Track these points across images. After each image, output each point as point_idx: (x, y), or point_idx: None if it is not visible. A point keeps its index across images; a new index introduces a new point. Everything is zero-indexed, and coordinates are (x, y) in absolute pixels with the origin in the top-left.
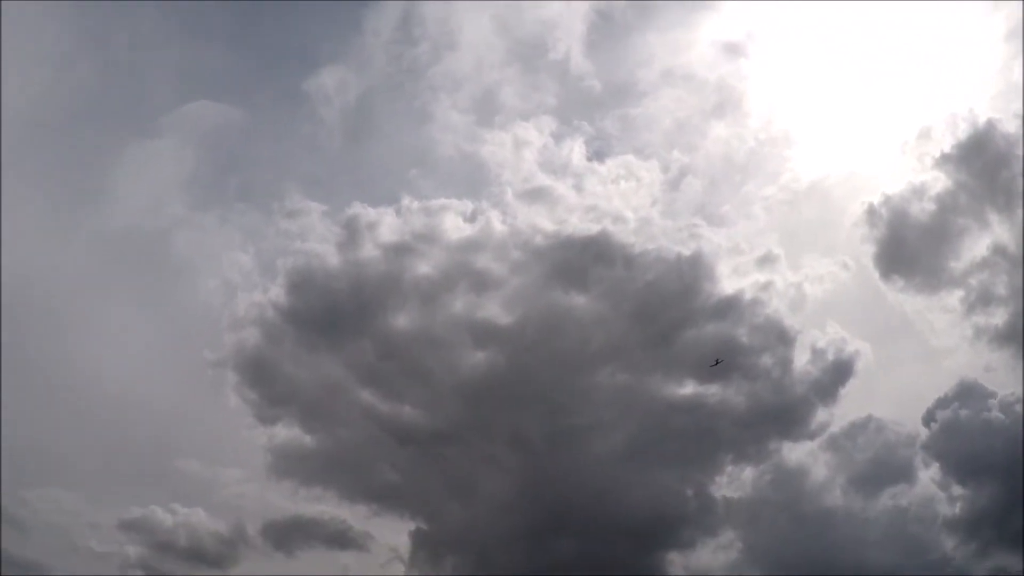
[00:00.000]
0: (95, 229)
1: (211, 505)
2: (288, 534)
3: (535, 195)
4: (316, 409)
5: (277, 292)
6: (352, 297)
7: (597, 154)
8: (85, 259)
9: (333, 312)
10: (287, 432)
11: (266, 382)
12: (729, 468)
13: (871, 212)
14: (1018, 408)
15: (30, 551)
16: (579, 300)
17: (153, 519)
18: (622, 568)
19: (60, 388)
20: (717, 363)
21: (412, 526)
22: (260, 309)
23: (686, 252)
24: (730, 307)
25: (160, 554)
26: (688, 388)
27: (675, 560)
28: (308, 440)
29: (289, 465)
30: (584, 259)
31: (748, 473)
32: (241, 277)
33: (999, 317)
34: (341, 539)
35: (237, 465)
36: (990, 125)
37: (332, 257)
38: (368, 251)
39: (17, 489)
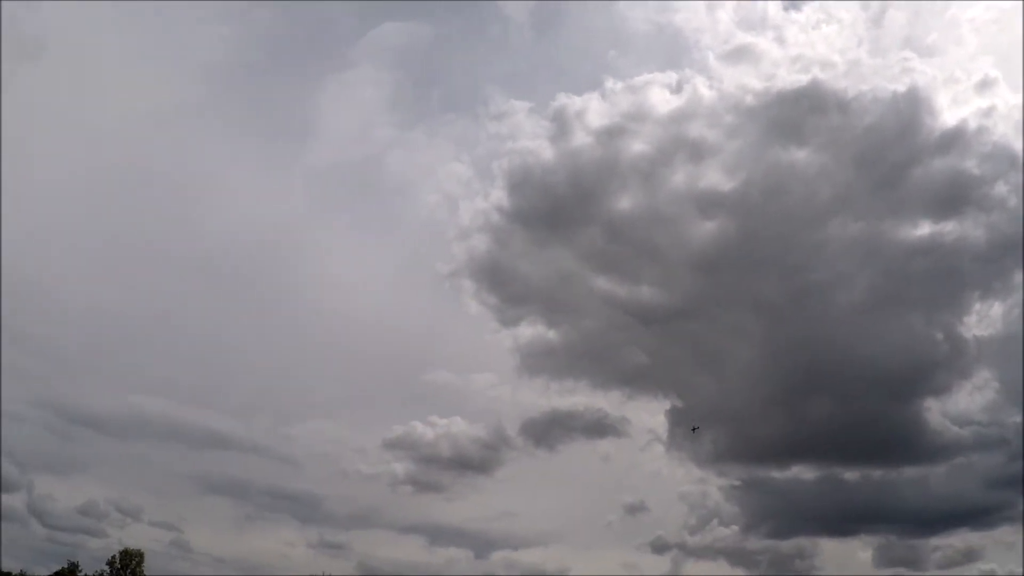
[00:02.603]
0: (310, 165)
1: (468, 412)
2: (546, 430)
3: (737, 55)
4: (556, 303)
5: (498, 195)
6: (572, 187)
7: (793, 2)
8: (306, 196)
9: (556, 205)
10: (531, 330)
11: (503, 285)
12: (977, 306)
13: None
14: None
15: (304, 483)
16: (799, 155)
17: (414, 434)
18: (880, 420)
19: (306, 325)
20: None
21: (667, 405)
22: (484, 215)
23: (901, 89)
24: (954, 139)
25: (426, 467)
26: (923, 229)
27: (932, 406)
28: (552, 335)
29: (537, 362)
30: (798, 112)
31: (997, 309)
32: (460, 187)
33: None
34: (598, 427)
35: (487, 370)
36: None
37: (546, 151)
38: (580, 139)
39: (281, 427)
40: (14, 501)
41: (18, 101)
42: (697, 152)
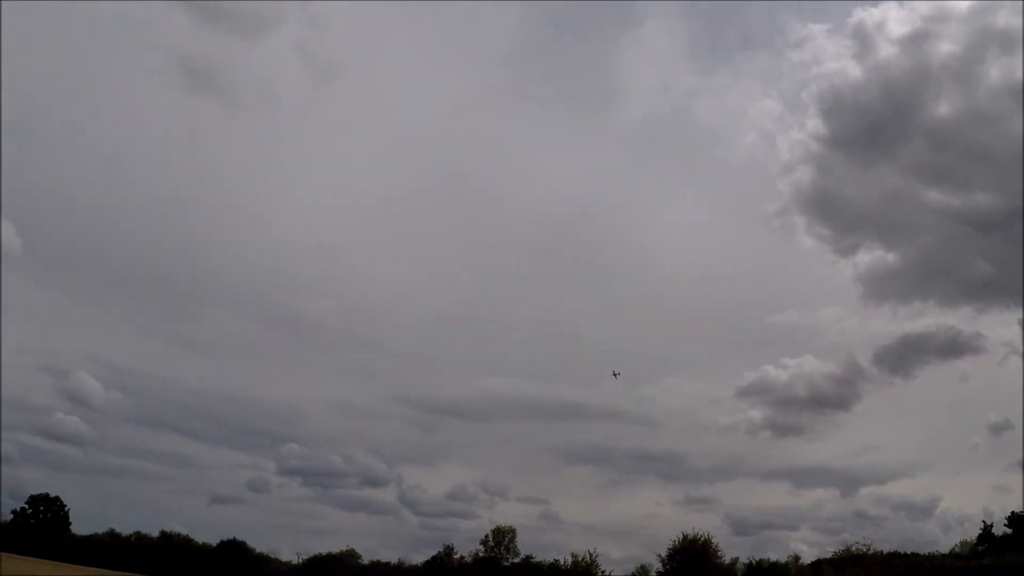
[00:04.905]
0: (619, 127)
1: (818, 349)
2: (900, 356)
3: None
4: (890, 224)
5: (813, 124)
6: (887, 102)
7: None
8: (620, 158)
9: (874, 123)
10: (869, 256)
11: (833, 214)
12: None
13: None
14: None
15: (663, 442)
16: None
17: (767, 379)
18: None
19: (641, 284)
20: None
21: (1019, 314)
22: (803, 146)
23: None
24: None
25: (782, 410)
26: None
27: None
28: (891, 258)
29: (881, 288)
30: None
31: None
32: (773, 122)
33: None
34: (952, 346)
35: (831, 304)
36: None
37: (853, 70)
38: (885, 51)
39: (634, 389)
40: (386, 495)
41: (326, 122)
42: (1008, 42)
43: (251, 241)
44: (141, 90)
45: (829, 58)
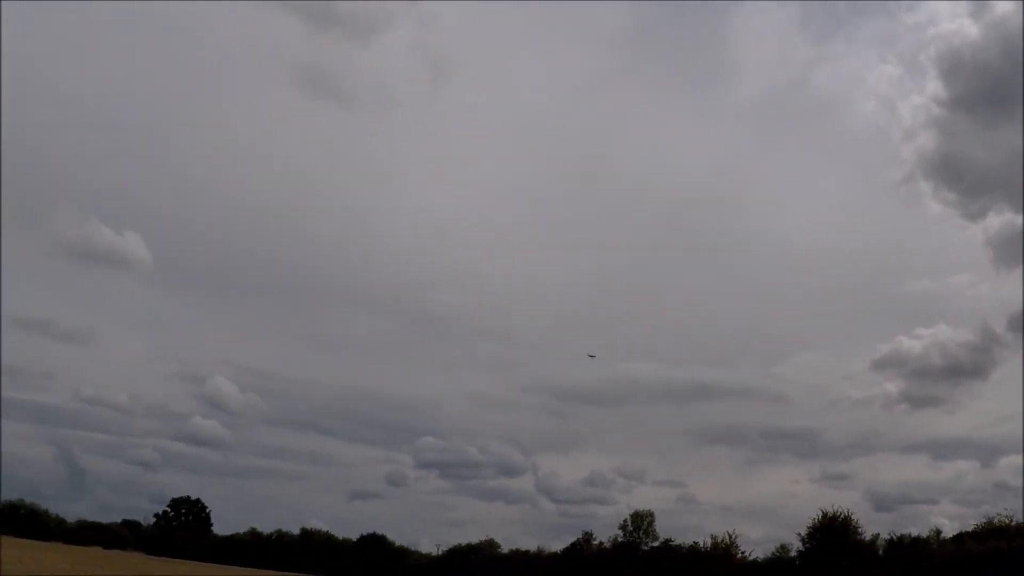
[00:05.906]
0: (737, 103)
1: (951, 317)
2: None
3: None
4: (1018, 185)
5: (934, 86)
6: (1007, 59)
7: None
8: (740, 134)
9: (996, 82)
10: (999, 219)
11: (960, 178)
12: None
13: None
14: None
15: (798, 419)
16: None
17: (901, 350)
18: None
19: (769, 260)
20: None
21: None
22: (925, 110)
23: None
24: None
25: (919, 381)
26: None
27: None
28: (1021, 220)
29: (1012, 251)
30: None
31: None
32: (893, 88)
33: None
34: None
35: (963, 270)
36: None
37: (970, 29)
38: (1002, 7)
39: (767, 367)
40: (522, 484)
41: (444, 117)
42: None
43: (378, 240)
44: (261, 98)
45: (945, 18)
